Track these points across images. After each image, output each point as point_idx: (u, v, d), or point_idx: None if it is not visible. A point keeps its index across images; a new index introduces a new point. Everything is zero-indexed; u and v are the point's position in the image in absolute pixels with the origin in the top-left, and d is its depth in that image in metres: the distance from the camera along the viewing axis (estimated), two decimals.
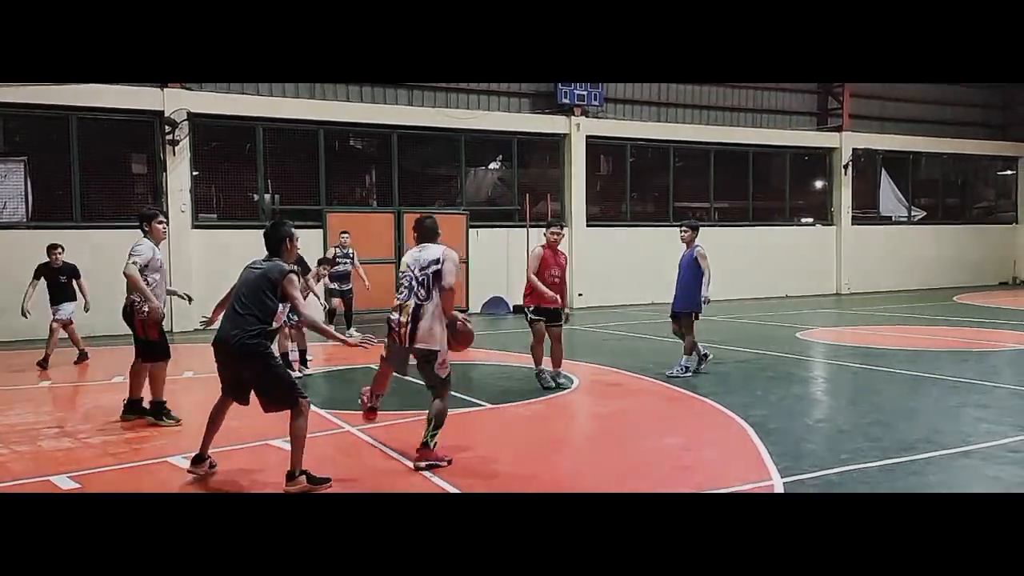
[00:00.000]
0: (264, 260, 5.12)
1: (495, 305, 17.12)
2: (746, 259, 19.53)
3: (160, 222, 6.98)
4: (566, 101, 17.86)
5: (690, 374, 8.81)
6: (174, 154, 14.29)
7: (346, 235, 12.85)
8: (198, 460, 5.28)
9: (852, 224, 21.88)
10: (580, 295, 18.11)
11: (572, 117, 18.10)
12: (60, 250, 10.21)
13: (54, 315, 10.23)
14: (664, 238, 19.09)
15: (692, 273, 8.87)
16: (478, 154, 18.36)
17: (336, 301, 12.60)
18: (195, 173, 14.77)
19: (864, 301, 19.24)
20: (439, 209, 17.26)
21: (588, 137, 18.37)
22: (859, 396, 7.94)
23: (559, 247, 8.41)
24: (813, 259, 21.36)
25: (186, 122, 14.25)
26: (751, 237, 20.33)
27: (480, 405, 7.43)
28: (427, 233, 5.66)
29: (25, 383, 9.18)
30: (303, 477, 4.89)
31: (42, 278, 10.24)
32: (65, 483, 5.19)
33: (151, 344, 6.83)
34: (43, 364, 10.05)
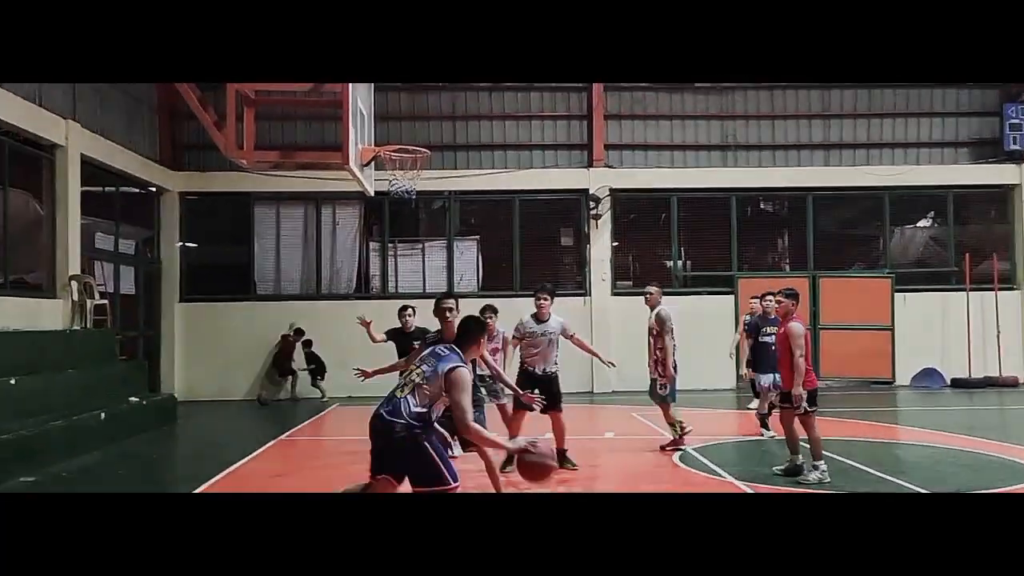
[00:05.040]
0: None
1: (928, 377, 15.36)
2: None
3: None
4: (1016, 147, 15.64)
5: None
6: (597, 227, 15.55)
7: (755, 301, 12.32)
8: None
9: None
10: None
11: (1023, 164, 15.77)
12: (411, 312, 8.76)
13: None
14: None
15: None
16: (905, 211, 16.86)
17: (749, 371, 12.28)
18: (615, 244, 15.86)
19: None
20: (858, 272, 16.17)
21: None
22: None
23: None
24: None
25: (608, 197, 15.46)
26: None
27: (915, 492, 6.69)
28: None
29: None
30: None
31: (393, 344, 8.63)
32: None
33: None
34: None
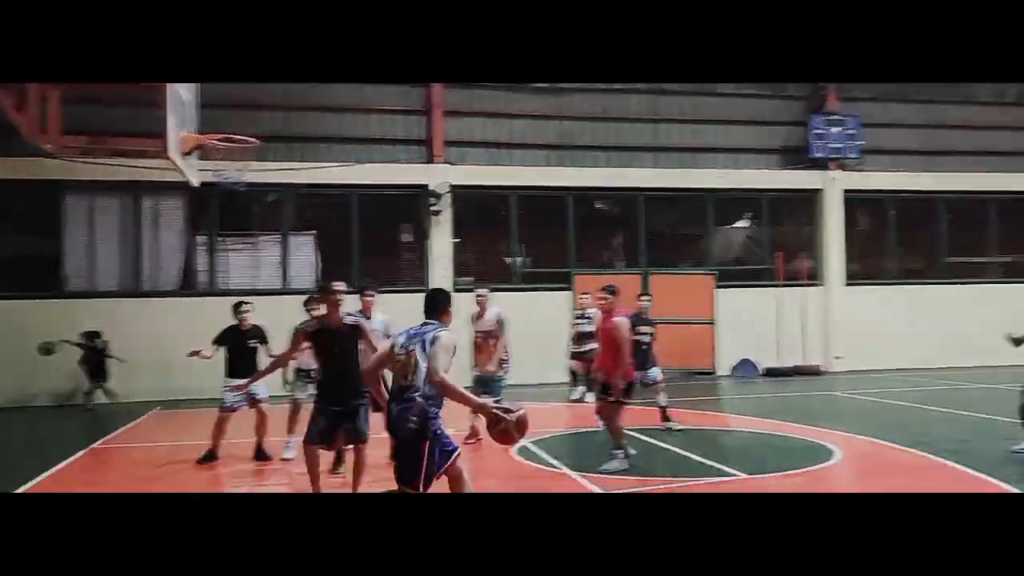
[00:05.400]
0: None
1: (744, 367, 16.48)
2: None
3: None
4: (819, 155, 17.05)
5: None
6: (437, 223, 15.50)
7: (586, 296, 12.80)
8: None
9: None
10: (838, 358, 16.94)
11: (827, 171, 17.23)
12: (248, 308, 8.30)
13: (234, 392, 7.92)
14: (935, 297, 17.43)
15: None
16: (726, 213, 17.99)
17: (575, 363, 12.67)
18: (455, 240, 15.87)
19: None
20: (684, 270, 17.09)
21: (845, 191, 17.36)
22: None
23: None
24: None
25: (448, 194, 15.44)
26: None
27: (734, 475, 7.14)
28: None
29: None
30: None
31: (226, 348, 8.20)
32: None
33: None
34: (209, 458, 8.08)
